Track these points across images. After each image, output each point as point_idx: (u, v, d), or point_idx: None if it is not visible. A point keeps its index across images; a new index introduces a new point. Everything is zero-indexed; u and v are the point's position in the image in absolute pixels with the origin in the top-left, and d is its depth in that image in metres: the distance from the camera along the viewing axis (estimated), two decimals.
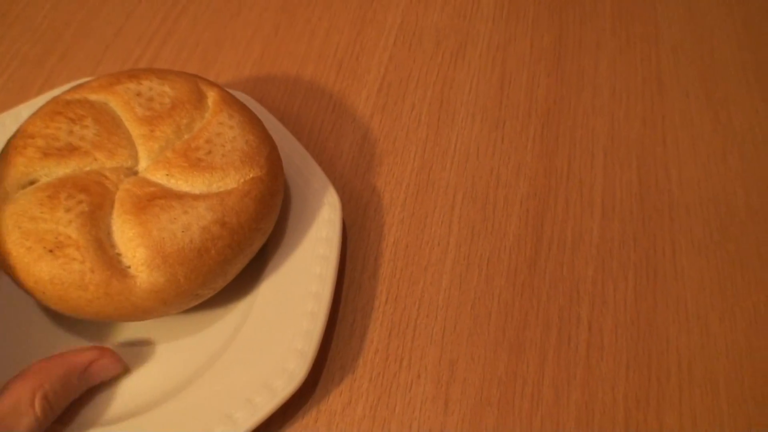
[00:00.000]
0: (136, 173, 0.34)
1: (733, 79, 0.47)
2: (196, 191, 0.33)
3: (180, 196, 0.32)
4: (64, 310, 0.31)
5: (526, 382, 0.35)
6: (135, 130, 0.34)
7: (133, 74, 0.36)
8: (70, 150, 0.33)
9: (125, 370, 0.34)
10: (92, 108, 0.34)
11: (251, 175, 0.34)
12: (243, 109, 0.36)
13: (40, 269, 0.30)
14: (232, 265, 0.33)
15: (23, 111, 0.41)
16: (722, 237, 0.40)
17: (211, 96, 0.36)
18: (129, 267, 0.31)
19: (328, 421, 0.34)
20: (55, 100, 0.35)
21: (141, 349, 0.35)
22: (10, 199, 0.32)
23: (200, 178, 0.33)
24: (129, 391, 0.34)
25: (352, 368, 0.35)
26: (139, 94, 0.35)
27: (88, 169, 0.33)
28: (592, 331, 0.37)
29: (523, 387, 0.35)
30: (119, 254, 0.31)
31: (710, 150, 0.44)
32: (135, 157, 0.34)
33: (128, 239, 0.31)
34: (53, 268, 0.30)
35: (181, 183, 0.33)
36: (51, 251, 0.30)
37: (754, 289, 0.38)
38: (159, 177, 0.33)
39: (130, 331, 0.36)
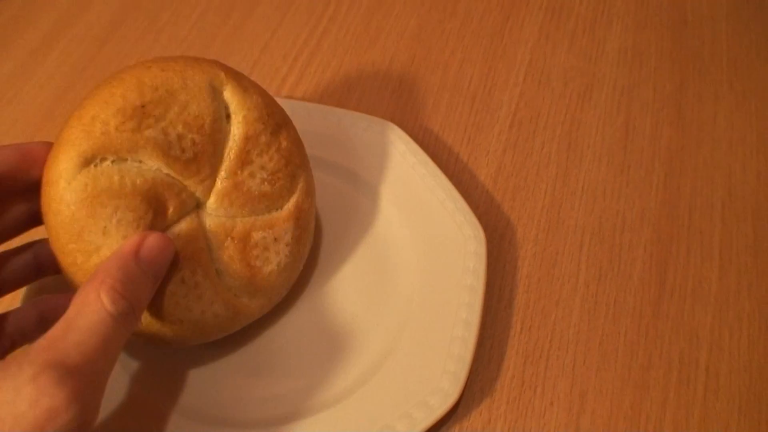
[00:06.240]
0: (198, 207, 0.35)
1: None
2: None
3: None
4: None
5: (650, 418, 0.38)
6: (223, 178, 0.35)
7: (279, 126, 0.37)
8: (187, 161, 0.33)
9: (174, 248, 0.33)
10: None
11: None
12: (308, 224, 0.39)
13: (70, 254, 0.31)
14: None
15: None
16: None
17: (292, 201, 0.38)
18: None
19: None
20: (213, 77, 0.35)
21: (308, 360, 0.39)
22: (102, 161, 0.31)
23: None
24: (298, 396, 0.38)
25: (490, 391, 0.39)
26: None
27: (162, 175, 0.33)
28: (709, 374, 0.40)
29: (646, 423, 0.38)
30: None
31: None
32: (205, 196, 0.35)
33: None
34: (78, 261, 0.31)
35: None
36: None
37: None
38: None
39: (292, 342, 0.40)
